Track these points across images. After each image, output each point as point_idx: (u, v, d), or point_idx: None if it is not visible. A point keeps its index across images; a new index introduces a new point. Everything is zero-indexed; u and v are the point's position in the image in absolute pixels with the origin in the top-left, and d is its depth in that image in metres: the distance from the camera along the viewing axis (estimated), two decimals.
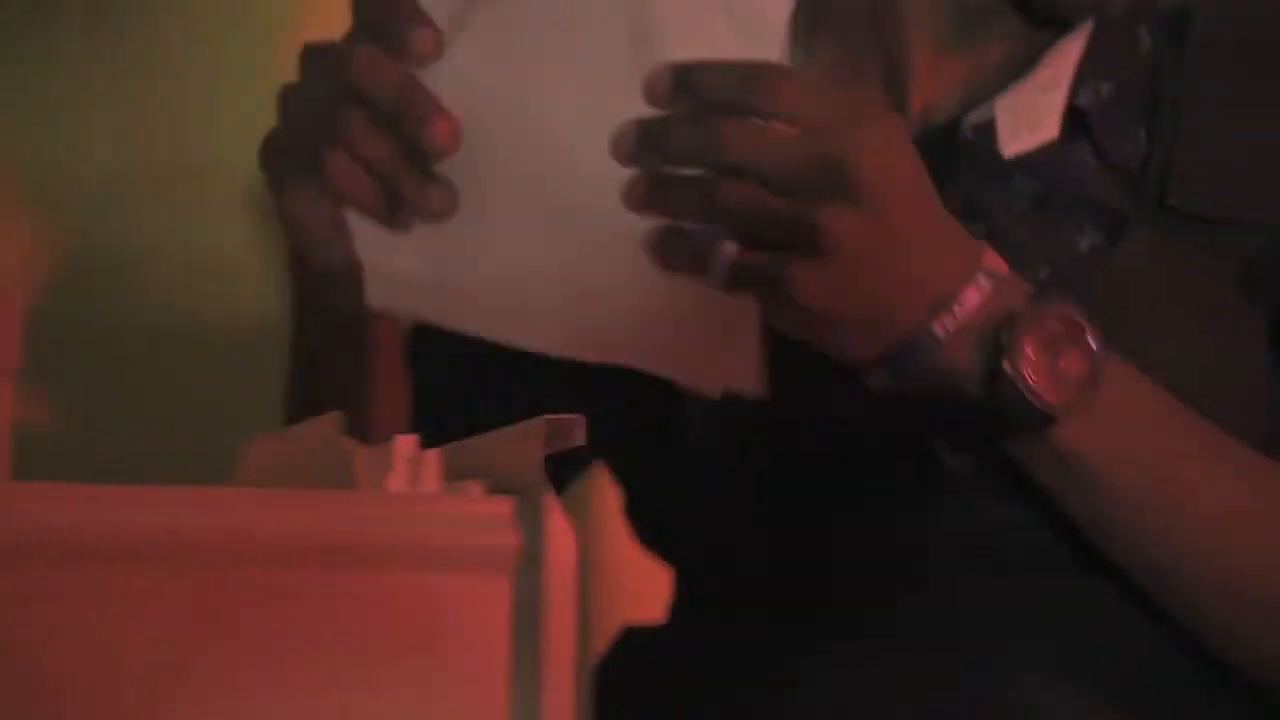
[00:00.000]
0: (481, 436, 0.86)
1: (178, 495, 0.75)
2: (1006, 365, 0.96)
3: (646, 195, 0.95)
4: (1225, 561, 1.01)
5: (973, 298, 0.96)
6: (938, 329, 0.95)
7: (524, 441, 0.83)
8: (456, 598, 0.80)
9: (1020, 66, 1.11)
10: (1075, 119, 1.09)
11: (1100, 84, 1.09)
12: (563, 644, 0.80)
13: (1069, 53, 1.10)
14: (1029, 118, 1.09)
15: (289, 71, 1.01)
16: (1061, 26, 1.10)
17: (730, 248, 0.97)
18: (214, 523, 0.75)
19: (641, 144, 0.94)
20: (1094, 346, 0.97)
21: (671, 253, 0.96)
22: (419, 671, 0.79)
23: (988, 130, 1.10)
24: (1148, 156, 1.08)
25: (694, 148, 0.94)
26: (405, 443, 0.82)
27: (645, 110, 0.96)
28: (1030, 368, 0.96)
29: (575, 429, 0.84)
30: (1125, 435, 1.00)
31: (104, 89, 1.64)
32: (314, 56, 0.99)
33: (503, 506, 0.81)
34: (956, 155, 1.10)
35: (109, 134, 1.64)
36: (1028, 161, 1.09)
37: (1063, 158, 1.09)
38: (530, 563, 0.80)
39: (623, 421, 1.09)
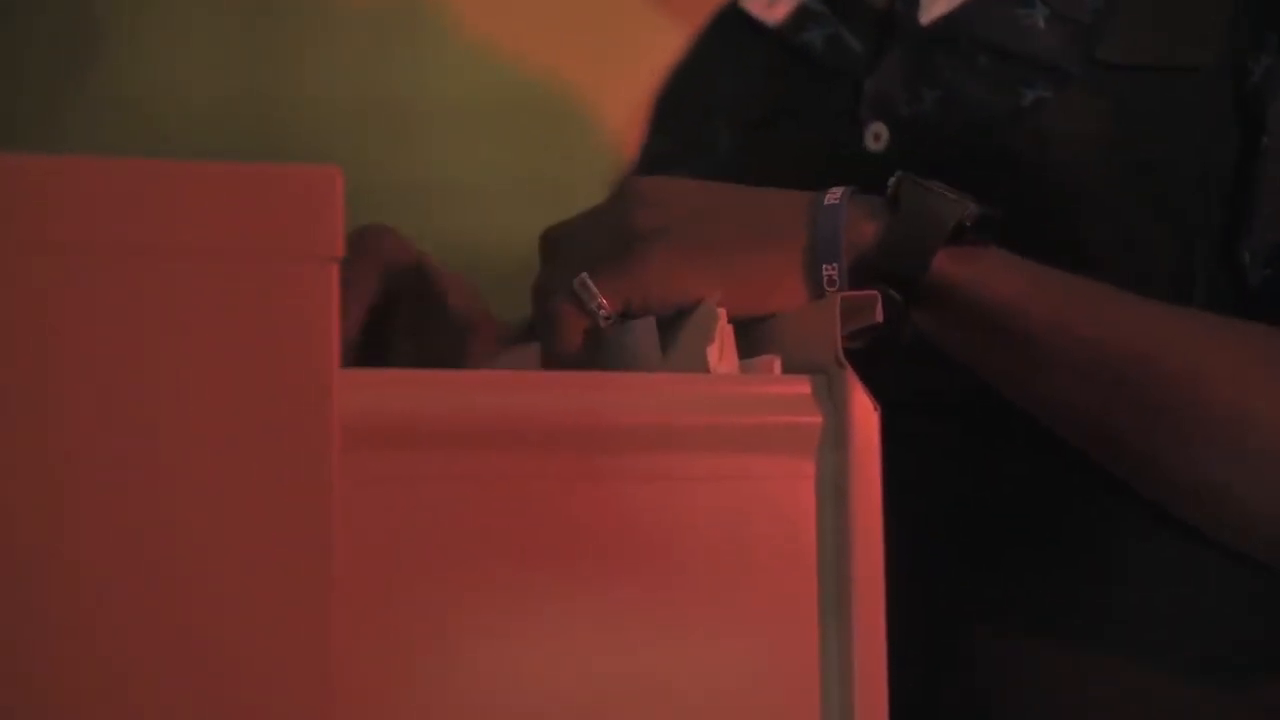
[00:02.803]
0: (777, 316, 0.86)
1: (501, 380, 0.75)
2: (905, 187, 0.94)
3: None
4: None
5: (837, 188, 0.94)
6: (827, 200, 0.92)
7: (819, 319, 0.82)
8: (763, 479, 0.79)
9: None
10: None
11: None
12: (870, 522, 0.80)
13: None
14: None
15: None
16: None
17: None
18: (535, 406, 0.75)
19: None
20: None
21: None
22: (730, 554, 0.79)
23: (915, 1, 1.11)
24: (1106, 7, 1.07)
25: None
26: (722, 316, 0.82)
27: None
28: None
29: (871, 305, 0.83)
30: (1014, 274, 0.97)
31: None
32: None
33: (803, 386, 0.81)
34: (897, 26, 1.11)
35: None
36: (967, 23, 1.08)
37: (1000, 16, 1.08)
38: (834, 441, 0.80)
39: None
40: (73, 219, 0.64)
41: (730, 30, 1.23)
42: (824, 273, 0.90)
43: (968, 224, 0.92)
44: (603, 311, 0.89)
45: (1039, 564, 1.05)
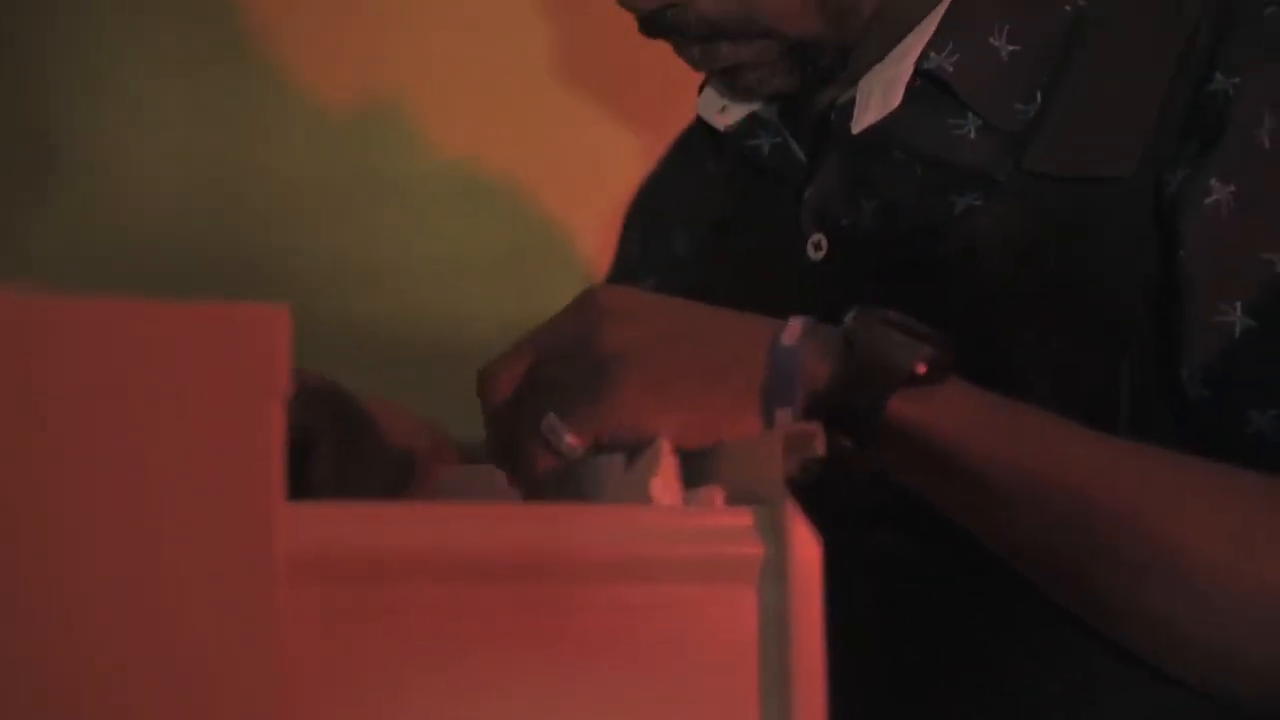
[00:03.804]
0: (720, 445, 0.87)
1: (452, 513, 0.76)
2: (862, 324, 0.95)
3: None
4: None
5: (796, 321, 0.96)
6: (785, 339, 0.94)
7: (762, 451, 0.83)
8: (704, 609, 0.80)
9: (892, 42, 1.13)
10: (941, 87, 1.10)
11: (991, 49, 1.09)
12: (811, 653, 0.81)
13: (927, 26, 1.11)
14: (881, 92, 1.11)
15: None
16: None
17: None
18: (481, 539, 0.76)
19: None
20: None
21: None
22: (671, 683, 0.80)
23: (848, 110, 1.12)
24: (1036, 118, 1.09)
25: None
26: (667, 447, 0.83)
27: None
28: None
29: (814, 439, 0.85)
30: (963, 411, 0.98)
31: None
32: None
33: (745, 518, 0.82)
34: (833, 135, 1.12)
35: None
36: (899, 132, 1.10)
37: (931, 126, 1.10)
38: (775, 572, 0.81)
39: None
40: (11, 360, 0.65)
41: (694, 139, 1.26)
42: (778, 417, 0.92)
43: (921, 369, 0.93)
44: (571, 450, 0.91)
45: (993, 686, 1.05)
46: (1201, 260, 1.02)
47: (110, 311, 0.66)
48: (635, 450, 0.89)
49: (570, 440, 0.90)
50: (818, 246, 1.12)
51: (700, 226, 1.23)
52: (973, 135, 1.09)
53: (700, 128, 1.19)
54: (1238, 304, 1.01)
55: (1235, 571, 0.96)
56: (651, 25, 1.10)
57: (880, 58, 1.12)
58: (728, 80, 1.13)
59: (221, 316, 0.67)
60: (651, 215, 1.31)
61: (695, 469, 0.87)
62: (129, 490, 0.67)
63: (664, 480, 0.84)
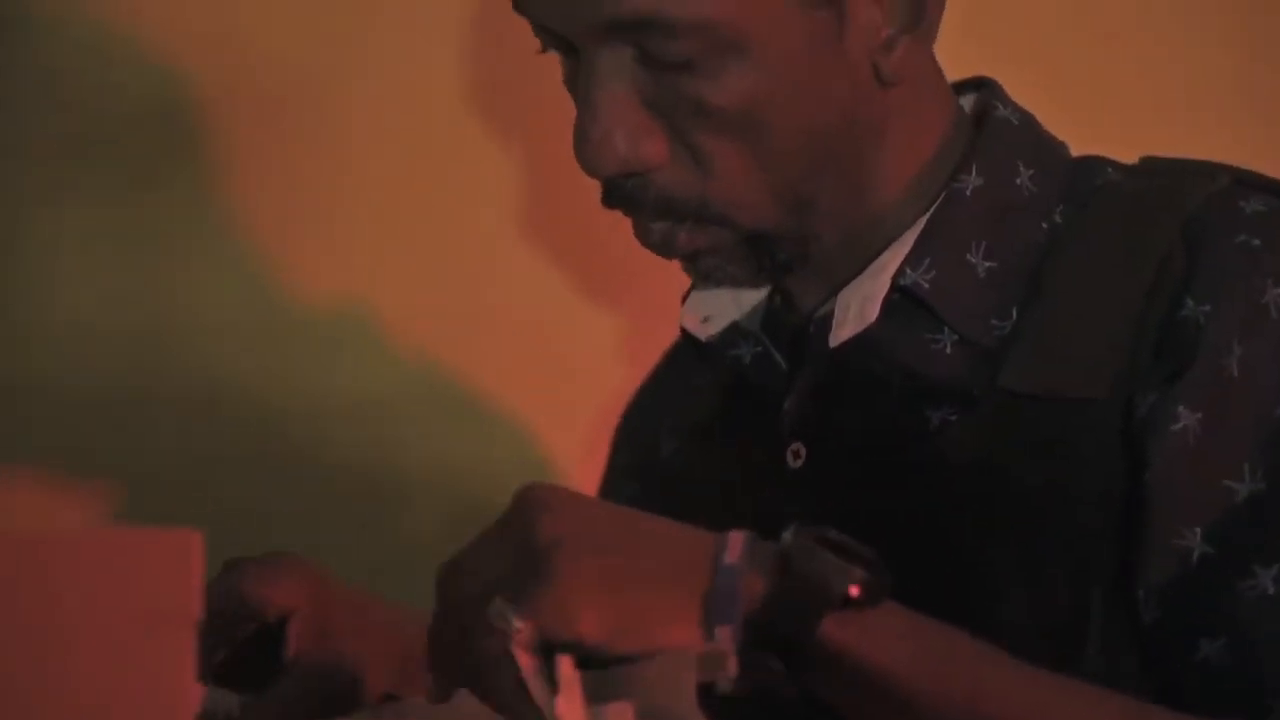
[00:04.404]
0: (632, 664, 0.89)
1: None
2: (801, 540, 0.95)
3: None
4: None
5: (737, 537, 0.95)
6: (727, 557, 0.93)
7: (675, 668, 0.85)
8: None
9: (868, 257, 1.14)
10: (918, 302, 1.11)
11: (968, 265, 1.10)
12: None
13: (905, 241, 1.12)
14: (858, 307, 1.12)
15: None
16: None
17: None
18: None
19: None
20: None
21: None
22: None
23: (826, 322, 1.13)
24: (1012, 334, 1.09)
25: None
26: (566, 664, 0.84)
27: None
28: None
29: (726, 659, 0.86)
30: (896, 637, 0.96)
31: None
32: None
33: None
34: (812, 347, 1.14)
35: None
36: (876, 346, 1.11)
37: (908, 340, 1.11)
38: None
39: None
40: None
41: (681, 348, 1.28)
42: (717, 634, 0.91)
43: (854, 593, 0.93)
44: (519, 634, 0.90)
45: None
46: (1165, 484, 1.03)
47: (20, 540, 0.68)
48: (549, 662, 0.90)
49: (518, 625, 0.90)
50: (797, 455, 1.14)
51: (684, 432, 1.24)
52: (949, 350, 1.10)
53: (684, 338, 1.21)
54: (1197, 530, 1.02)
55: None
56: (612, 195, 1.11)
57: (858, 271, 1.13)
58: (686, 266, 1.15)
59: (133, 542, 0.70)
60: (638, 426, 1.33)
61: (609, 683, 0.89)
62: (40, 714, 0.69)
63: (567, 699, 0.85)
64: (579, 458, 1.58)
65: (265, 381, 1.59)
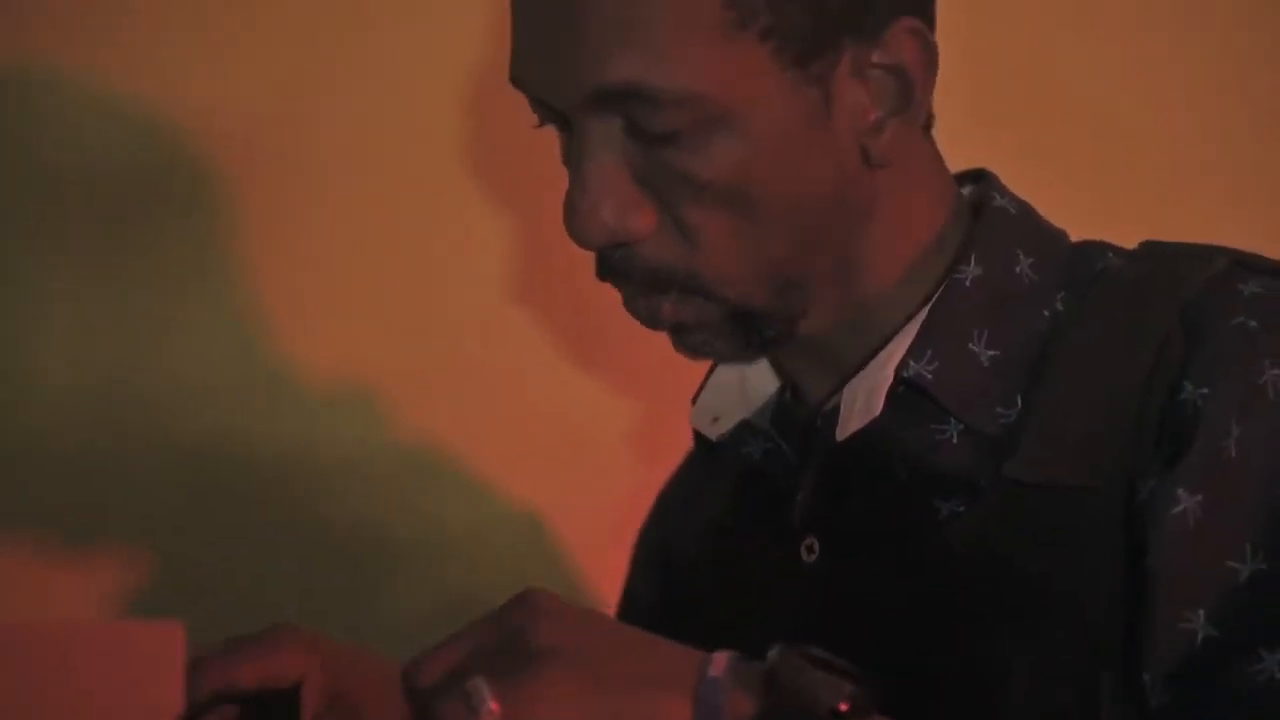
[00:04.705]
0: None
1: None
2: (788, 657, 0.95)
3: None
4: None
5: (721, 656, 0.96)
6: (712, 670, 0.95)
7: None
8: None
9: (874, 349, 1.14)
10: (922, 392, 1.11)
11: (971, 354, 1.10)
12: None
13: (908, 332, 1.12)
14: (864, 400, 1.11)
15: None
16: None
17: None
18: None
19: None
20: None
21: None
22: None
23: (833, 415, 1.13)
24: (1017, 423, 1.09)
25: None
26: None
27: None
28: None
29: None
30: None
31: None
32: None
33: None
34: (820, 441, 1.14)
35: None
36: (883, 439, 1.11)
37: (914, 432, 1.11)
38: None
39: None
40: None
41: (696, 453, 1.28)
42: None
43: (844, 708, 0.93)
44: (490, 714, 0.91)
45: None
46: (1168, 568, 1.02)
47: (1, 632, 0.68)
48: None
49: (492, 704, 0.90)
50: (810, 549, 1.13)
51: (700, 531, 1.25)
52: (955, 440, 1.10)
53: (695, 439, 1.21)
54: (1201, 612, 1.01)
55: None
56: (604, 267, 1.11)
57: (864, 361, 1.13)
58: (673, 340, 1.15)
59: (116, 636, 0.70)
60: (658, 527, 1.34)
61: None
62: None
63: None
64: (579, 542, 1.57)
65: (254, 446, 1.59)
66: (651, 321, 1.12)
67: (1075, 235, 1.16)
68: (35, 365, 1.57)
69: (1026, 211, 1.16)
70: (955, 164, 1.16)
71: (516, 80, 1.10)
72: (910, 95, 1.09)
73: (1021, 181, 1.17)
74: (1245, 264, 1.10)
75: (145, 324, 1.58)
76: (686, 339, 1.13)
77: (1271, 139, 1.61)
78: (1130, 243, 1.16)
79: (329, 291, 1.59)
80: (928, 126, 1.14)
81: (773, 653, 0.95)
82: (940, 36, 1.10)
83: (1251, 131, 1.61)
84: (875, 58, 1.08)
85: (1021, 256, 1.13)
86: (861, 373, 1.12)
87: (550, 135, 1.12)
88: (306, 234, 1.58)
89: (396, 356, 1.59)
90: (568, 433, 1.61)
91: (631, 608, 1.32)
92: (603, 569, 1.53)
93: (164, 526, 1.58)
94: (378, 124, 1.58)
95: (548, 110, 1.09)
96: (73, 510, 1.58)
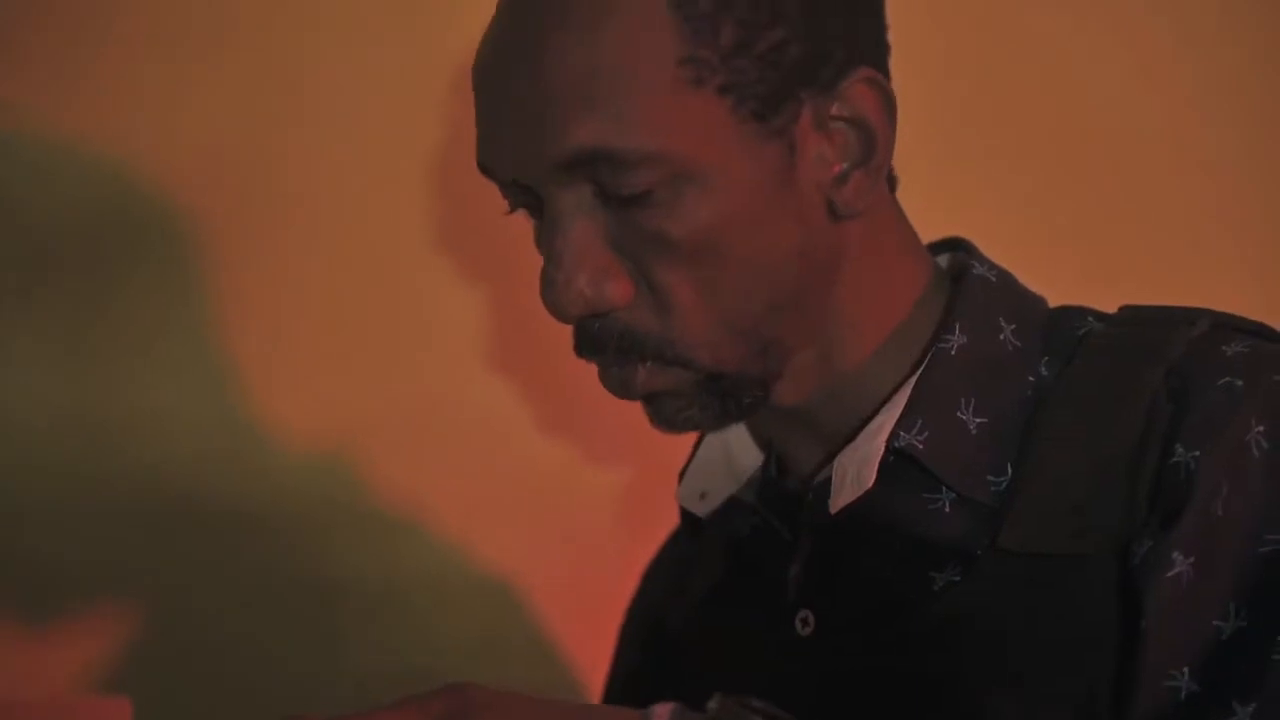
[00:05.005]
0: None
1: None
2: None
3: None
4: None
5: (662, 710, 0.97)
6: None
7: None
8: None
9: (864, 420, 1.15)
10: (914, 462, 1.11)
11: (959, 423, 1.10)
12: None
13: (896, 403, 1.12)
14: (855, 472, 1.11)
15: None
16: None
17: None
18: None
19: None
20: None
21: None
22: None
23: (824, 489, 1.13)
24: (1009, 490, 1.09)
25: None
26: None
27: None
28: None
29: None
30: None
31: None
32: None
33: None
34: (812, 514, 1.14)
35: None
36: (876, 510, 1.11)
37: (907, 503, 1.11)
38: None
39: None
40: None
41: (682, 527, 1.28)
42: None
43: None
44: None
45: None
46: (1159, 629, 1.03)
47: None
48: None
49: None
50: (805, 622, 1.13)
51: (690, 607, 1.25)
52: (948, 509, 1.10)
53: (682, 515, 1.21)
54: (1185, 669, 1.02)
55: None
56: (582, 342, 1.11)
57: (852, 433, 1.13)
58: (647, 410, 1.14)
59: (63, 710, 0.69)
60: (645, 602, 1.34)
61: None
62: None
63: None
64: (545, 604, 1.57)
65: (220, 501, 1.58)
66: (625, 391, 1.11)
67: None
68: (12, 422, 1.56)
69: (1006, 279, 1.16)
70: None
71: (484, 166, 1.10)
72: (873, 146, 1.09)
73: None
74: (1226, 324, 1.10)
75: (123, 385, 1.58)
76: (661, 408, 1.13)
77: (1271, 139, 1.61)
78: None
79: (302, 347, 1.59)
80: (892, 186, 1.15)
81: (712, 703, 0.95)
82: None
83: (1252, 131, 1.61)
84: (835, 110, 1.08)
85: (1003, 323, 1.13)
86: (851, 444, 1.12)
87: None
88: (282, 285, 1.58)
89: (369, 410, 1.58)
90: (538, 495, 1.60)
91: (620, 683, 1.32)
92: (568, 631, 1.52)
93: (118, 576, 1.57)
94: (360, 172, 1.58)
95: (518, 193, 1.10)
96: (52, 565, 1.57)
